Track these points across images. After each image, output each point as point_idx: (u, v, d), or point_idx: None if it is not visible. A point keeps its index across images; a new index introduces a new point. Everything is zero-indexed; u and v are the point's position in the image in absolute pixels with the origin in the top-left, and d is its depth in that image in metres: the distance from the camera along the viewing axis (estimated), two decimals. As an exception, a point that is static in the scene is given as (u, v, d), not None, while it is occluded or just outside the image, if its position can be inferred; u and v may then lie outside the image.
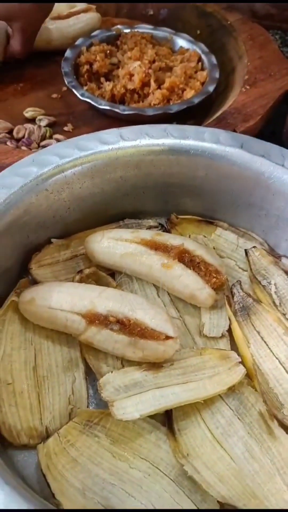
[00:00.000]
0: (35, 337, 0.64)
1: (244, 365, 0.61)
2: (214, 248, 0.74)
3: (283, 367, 0.63)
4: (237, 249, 0.74)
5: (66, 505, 0.49)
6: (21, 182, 0.63)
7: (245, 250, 0.72)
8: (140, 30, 1.06)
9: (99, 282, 0.68)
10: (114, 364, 0.63)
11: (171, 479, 0.55)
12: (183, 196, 0.75)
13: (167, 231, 0.75)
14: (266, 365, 0.63)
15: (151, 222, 0.76)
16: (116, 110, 0.91)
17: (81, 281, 0.67)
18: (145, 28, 1.07)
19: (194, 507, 0.53)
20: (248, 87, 0.91)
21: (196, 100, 0.93)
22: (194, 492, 0.54)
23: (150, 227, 0.75)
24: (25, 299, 0.63)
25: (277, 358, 0.64)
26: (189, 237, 0.75)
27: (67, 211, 0.70)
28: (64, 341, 0.64)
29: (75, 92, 0.94)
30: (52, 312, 0.61)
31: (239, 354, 0.63)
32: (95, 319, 0.60)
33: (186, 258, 0.67)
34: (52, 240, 0.70)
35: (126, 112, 0.91)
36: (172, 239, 0.68)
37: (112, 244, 0.68)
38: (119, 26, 1.06)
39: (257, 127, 0.85)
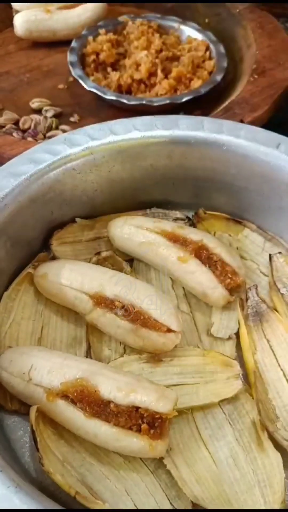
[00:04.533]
0: (45, 310, 0.66)
1: (245, 371, 0.60)
2: (237, 249, 0.72)
3: (287, 379, 0.61)
4: (262, 253, 0.72)
5: (46, 464, 0.51)
6: (50, 159, 0.64)
7: (270, 254, 0.70)
8: (147, 19, 1.04)
9: (115, 266, 0.69)
10: (117, 349, 0.63)
11: (149, 470, 0.55)
12: (213, 192, 0.73)
13: (193, 225, 0.74)
14: (269, 374, 0.61)
15: (178, 214, 0.75)
16: (123, 100, 0.90)
17: (97, 262, 0.68)
18: (152, 17, 1.05)
19: (167, 502, 0.53)
20: (256, 76, 0.88)
21: (204, 90, 0.91)
22: (170, 487, 0.54)
23: (176, 219, 0.74)
24: (39, 273, 0.65)
25: (282, 369, 0.62)
26: (214, 234, 0.73)
27: (94, 193, 0.71)
28: (73, 318, 0.66)
29: (81, 82, 0.94)
30: (62, 289, 0.63)
31: (243, 359, 0.62)
32: (101, 301, 0.61)
33: (203, 255, 0.66)
34: (77, 219, 0.72)
35: (132, 103, 0.90)
36: (193, 234, 0.67)
37: (132, 231, 0.68)
38: (125, 16, 1.05)
39: (265, 117, 0.82)
